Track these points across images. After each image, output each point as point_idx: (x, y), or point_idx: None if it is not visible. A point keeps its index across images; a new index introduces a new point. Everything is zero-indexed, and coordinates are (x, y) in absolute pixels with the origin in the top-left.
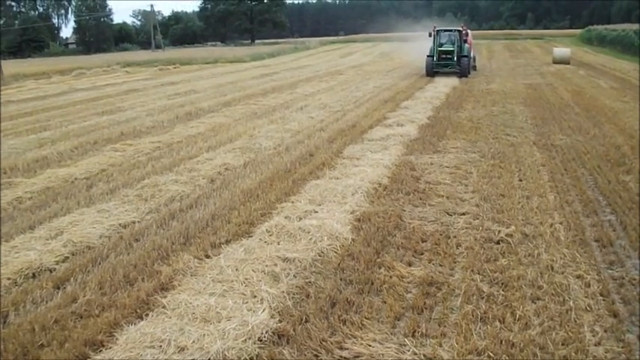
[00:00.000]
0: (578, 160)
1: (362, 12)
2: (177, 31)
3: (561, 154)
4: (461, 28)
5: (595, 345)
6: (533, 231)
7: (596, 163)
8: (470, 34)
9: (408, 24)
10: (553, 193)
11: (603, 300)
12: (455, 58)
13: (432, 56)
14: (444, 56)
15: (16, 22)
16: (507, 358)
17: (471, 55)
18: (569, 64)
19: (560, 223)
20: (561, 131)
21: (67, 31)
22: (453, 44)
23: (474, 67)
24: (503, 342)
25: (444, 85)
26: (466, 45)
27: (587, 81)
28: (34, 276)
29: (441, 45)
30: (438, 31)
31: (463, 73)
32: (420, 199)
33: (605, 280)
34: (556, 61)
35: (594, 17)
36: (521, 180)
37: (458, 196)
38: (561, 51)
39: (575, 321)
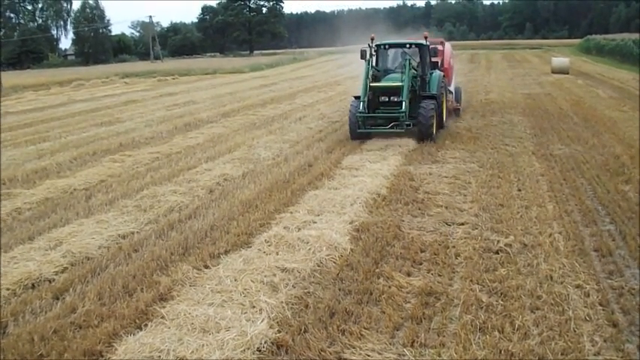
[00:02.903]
0: (577, 170)
1: (360, 23)
2: (175, 42)
3: (560, 163)
4: (423, 42)
5: (594, 355)
6: (532, 241)
7: (595, 173)
8: (449, 50)
9: (407, 33)
10: (552, 203)
11: (603, 310)
12: (405, 105)
13: (362, 100)
14: (384, 99)
15: (15, 33)
16: None
17: (451, 87)
18: (567, 73)
19: (560, 233)
20: (560, 141)
21: (65, 43)
22: (406, 74)
23: (457, 110)
24: (503, 352)
25: None
26: (436, 73)
27: (585, 91)
28: (33, 286)
29: (380, 75)
30: (378, 47)
31: (424, 132)
32: (419, 209)
33: (605, 290)
34: (555, 71)
35: (593, 27)
36: (520, 190)
37: (457, 206)
38: (560, 61)
39: (575, 331)
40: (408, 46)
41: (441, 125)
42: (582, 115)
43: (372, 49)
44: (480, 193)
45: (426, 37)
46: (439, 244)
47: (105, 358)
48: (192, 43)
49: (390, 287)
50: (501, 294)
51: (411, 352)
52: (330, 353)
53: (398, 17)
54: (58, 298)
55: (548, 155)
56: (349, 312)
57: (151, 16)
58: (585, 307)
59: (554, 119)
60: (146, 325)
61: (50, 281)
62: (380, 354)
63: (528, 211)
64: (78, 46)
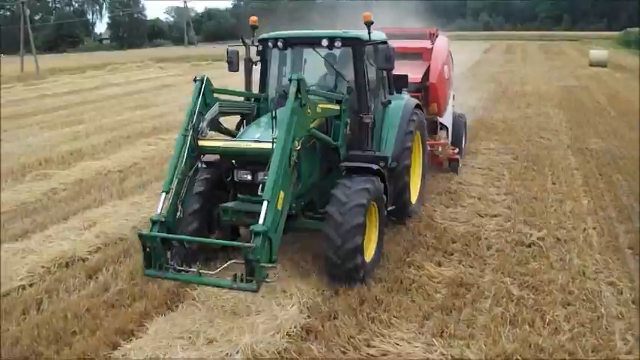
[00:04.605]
0: (613, 165)
1: (392, 10)
2: (209, 28)
3: (596, 158)
4: (362, 33)
5: (626, 354)
6: (565, 235)
7: (632, 169)
8: (443, 49)
9: (442, 24)
10: (587, 198)
11: (636, 308)
12: (269, 208)
13: (166, 188)
14: (243, 176)
15: (52, 17)
16: None
17: (446, 119)
18: (605, 66)
19: (594, 229)
20: (596, 135)
21: (101, 27)
22: (286, 121)
23: (454, 162)
24: (532, 346)
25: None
26: (397, 106)
27: (623, 84)
28: (67, 265)
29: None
30: (264, 44)
31: (336, 264)
32: (452, 199)
33: (638, 289)
34: (592, 64)
35: (633, 19)
36: (554, 183)
37: (490, 198)
38: (598, 53)
39: (607, 328)
40: (325, 43)
41: (402, 212)
42: (620, 109)
43: (255, 49)
44: (513, 186)
45: (368, 23)
46: (471, 236)
47: (136, 337)
48: (226, 29)
49: (420, 277)
50: (533, 288)
51: (440, 342)
52: (359, 340)
53: (434, 7)
54: (91, 277)
55: (584, 149)
56: (379, 300)
57: (185, 2)
58: (618, 304)
59: (590, 113)
60: (177, 306)
61: (84, 260)
62: (409, 343)
63: (562, 205)
64: (113, 30)
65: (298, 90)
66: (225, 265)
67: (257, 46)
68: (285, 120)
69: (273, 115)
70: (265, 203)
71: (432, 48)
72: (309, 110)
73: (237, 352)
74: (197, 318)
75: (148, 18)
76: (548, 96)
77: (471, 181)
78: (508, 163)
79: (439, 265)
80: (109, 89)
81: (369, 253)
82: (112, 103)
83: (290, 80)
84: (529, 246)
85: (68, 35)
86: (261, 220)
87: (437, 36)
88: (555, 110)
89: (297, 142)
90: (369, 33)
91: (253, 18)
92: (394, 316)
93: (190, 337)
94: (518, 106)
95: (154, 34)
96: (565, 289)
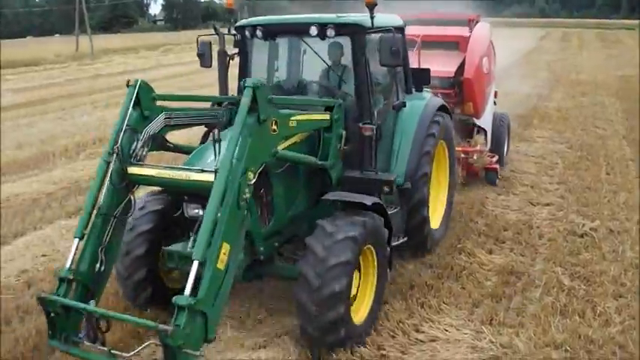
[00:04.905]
0: None
1: None
2: (263, 11)
3: None
4: (363, 18)
5: None
6: (618, 227)
7: None
8: (483, 38)
9: (496, 10)
10: None
11: None
12: (203, 276)
13: (79, 232)
14: (194, 211)
15: None
16: (585, 354)
17: (483, 121)
18: None
19: None
20: None
21: (155, 8)
22: (232, 148)
23: (491, 173)
24: (582, 337)
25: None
26: (414, 108)
27: None
28: None
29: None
30: (242, 33)
31: (313, 338)
32: (504, 187)
33: None
34: None
35: None
36: (608, 174)
37: (542, 187)
38: None
39: None
40: (314, 31)
41: (420, 242)
42: None
43: (233, 39)
44: (567, 175)
45: (370, 5)
46: (523, 224)
47: None
48: (281, 12)
49: (471, 264)
50: (584, 278)
51: (489, 329)
52: (408, 325)
53: None
54: None
55: None
56: (429, 285)
57: None
58: None
59: None
60: None
61: None
62: (458, 329)
63: (616, 196)
64: (167, 11)
65: (254, 101)
66: (144, 346)
67: (234, 35)
68: (231, 143)
69: (216, 137)
70: (195, 265)
71: (470, 36)
72: (274, 127)
73: (287, 334)
74: (246, 299)
75: (202, 0)
76: (604, 85)
77: (523, 169)
78: (562, 152)
79: (490, 252)
80: (163, 70)
81: (361, 315)
82: (166, 84)
83: (243, 87)
84: (581, 236)
85: (122, 16)
86: (187, 289)
87: (477, 22)
88: (611, 100)
89: (251, 174)
90: (372, 17)
91: (229, 0)
92: (444, 302)
93: (240, 317)
94: (573, 94)
95: (207, 15)
96: (617, 280)
